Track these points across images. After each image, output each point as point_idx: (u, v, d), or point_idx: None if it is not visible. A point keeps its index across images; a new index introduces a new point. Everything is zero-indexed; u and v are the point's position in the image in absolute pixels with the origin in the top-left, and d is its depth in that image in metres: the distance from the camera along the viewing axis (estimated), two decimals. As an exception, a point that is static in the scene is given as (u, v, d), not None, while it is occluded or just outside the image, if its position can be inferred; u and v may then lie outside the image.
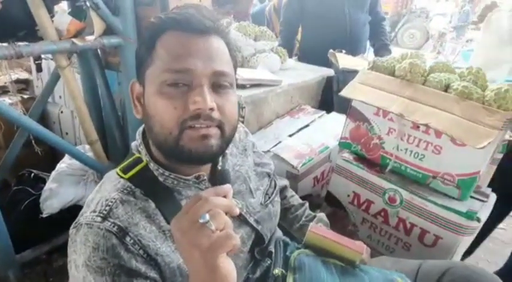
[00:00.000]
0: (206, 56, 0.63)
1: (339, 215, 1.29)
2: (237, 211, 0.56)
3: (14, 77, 2.18)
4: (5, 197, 1.45)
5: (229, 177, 0.79)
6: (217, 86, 0.64)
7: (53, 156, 1.89)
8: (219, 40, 0.67)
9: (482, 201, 1.09)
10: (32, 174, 1.55)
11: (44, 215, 1.39)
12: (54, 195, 1.41)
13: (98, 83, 1.57)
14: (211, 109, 0.62)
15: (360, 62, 1.47)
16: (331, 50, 1.55)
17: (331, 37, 2.09)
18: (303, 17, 2.28)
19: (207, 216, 0.50)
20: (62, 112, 2.20)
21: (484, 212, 1.05)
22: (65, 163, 1.49)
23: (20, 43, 1.12)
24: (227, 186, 0.58)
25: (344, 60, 1.43)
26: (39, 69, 1.42)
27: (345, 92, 1.19)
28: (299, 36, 3.66)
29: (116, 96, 1.64)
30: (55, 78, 1.49)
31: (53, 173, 1.48)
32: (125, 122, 1.57)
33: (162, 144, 0.65)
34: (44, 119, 2.19)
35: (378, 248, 1.23)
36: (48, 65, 1.98)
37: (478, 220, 1.00)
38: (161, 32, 0.64)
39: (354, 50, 1.85)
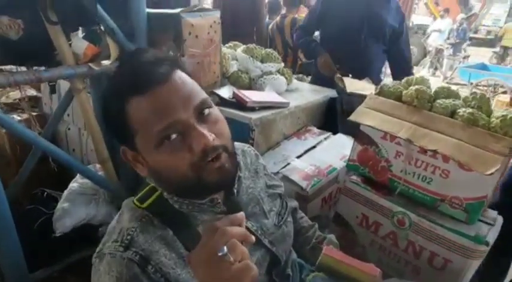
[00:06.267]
0: (180, 98, 0.63)
1: (347, 236, 1.31)
2: (253, 239, 0.59)
3: (24, 94, 2.22)
4: (19, 216, 1.47)
5: (248, 200, 0.82)
6: (201, 114, 0.66)
7: (60, 175, 1.91)
8: (178, 73, 0.66)
9: (490, 224, 1.11)
10: (45, 194, 1.58)
11: (57, 234, 1.41)
12: (67, 214, 1.43)
13: (109, 103, 1.60)
14: (213, 140, 0.64)
15: (365, 86, 1.52)
16: (338, 75, 1.59)
17: (344, 58, 2.15)
18: (321, 38, 2.38)
19: (225, 249, 0.52)
20: (69, 129, 2.22)
21: (492, 235, 1.07)
22: (77, 182, 1.52)
23: (40, 69, 1.16)
24: (241, 214, 0.60)
25: (350, 84, 1.48)
26: (53, 91, 1.45)
27: (353, 117, 1.22)
28: (302, 56, 3.76)
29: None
30: (68, 99, 1.53)
31: (65, 192, 1.51)
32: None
33: (182, 186, 0.68)
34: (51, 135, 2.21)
35: (387, 270, 1.24)
36: (58, 84, 2.02)
37: (487, 244, 1.03)
38: (125, 102, 0.64)
39: (364, 73, 1.90)
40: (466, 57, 9.23)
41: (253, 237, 0.59)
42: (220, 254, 0.52)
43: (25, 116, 2.07)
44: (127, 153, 0.71)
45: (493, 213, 1.16)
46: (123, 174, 1.57)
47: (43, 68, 1.24)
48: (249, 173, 0.90)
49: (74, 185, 1.52)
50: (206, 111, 0.66)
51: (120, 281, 0.61)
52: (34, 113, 2.17)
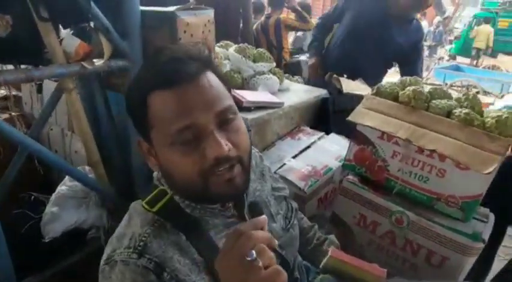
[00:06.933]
0: (203, 101, 0.62)
1: (344, 236, 1.32)
2: (276, 243, 0.57)
3: (3, 93, 2.12)
4: (5, 221, 1.41)
5: (258, 203, 0.80)
6: (224, 122, 0.64)
7: (46, 177, 1.84)
8: (208, 75, 0.65)
9: (484, 221, 1.14)
10: (32, 197, 1.51)
11: (46, 240, 1.35)
12: (56, 218, 1.37)
13: (98, 103, 1.55)
14: (229, 150, 0.62)
15: (359, 86, 1.54)
16: (335, 75, 1.61)
17: (344, 58, 2.17)
18: (335, 33, 2.38)
19: (254, 253, 0.51)
20: (51, 129, 2.14)
21: (487, 232, 1.11)
22: (66, 185, 1.46)
23: (29, 67, 1.10)
24: (263, 217, 0.59)
25: (345, 84, 1.49)
26: (39, 90, 1.39)
27: (352, 117, 1.23)
28: (287, 56, 3.77)
29: (115, 117, 1.63)
30: (55, 98, 1.46)
31: (53, 195, 1.45)
32: (126, 143, 1.56)
33: (188, 192, 0.67)
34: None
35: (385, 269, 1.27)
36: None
37: (484, 241, 1.06)
38: (147, 94, 0.63)
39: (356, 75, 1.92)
40: (440, 58, 9.55)
41: (276, 242, 0.58)
42: (249, 258, 0.51)
43: (5, 115, 1.98)
44: (142, 145, 0.70)
45: (485, 211, 1.19)
46: (114, 177, 1.53)
47: (29, 66, 1.19)
48: (255, 175, 0.89)
49: (62, 188, 1.46)
50: (229, 119, 0.65)
51: None
52: (14, 113, 2.09)
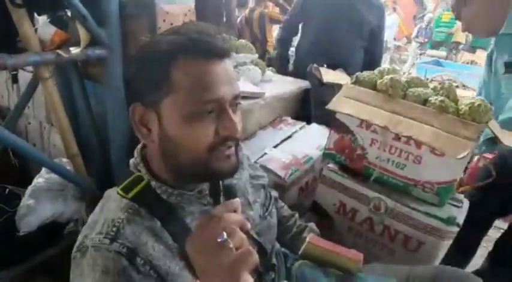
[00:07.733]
0: (228, 81, 0.64)
1: (324, 224, 1.33)
2: (249, 225, 0.58)
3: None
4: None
5: (235, 191, 0.80)
6: (234, 105, 0.67)
7: (22, 170, 1.80)
8: (230, 60, 0.67)
9: (458, 206, 1.17)
10: (7, 190, 1.47)
11: (21, 234, 1.32)
12: (32, 212, 1.34)
13: (76, 94, 1.52)
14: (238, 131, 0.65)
15: (340, 76, 1.55)
16: (315, 65, 1.61)
17: (324, 50, 2.19)
18: (302, 32, 2.41)
19: (225, 235, 0.51)
20: (29, 123, 2.09)
21: (461, 217, 1.14)
22: (42, 178, 1.43)
23: (3, 54, 1.07)
24: (236, 201, 0.60)
25: (325, 74, 1.51)
26: (15, 80, 1.35)
27: (331, 105, 1.24)
28: (271, 50, 3.77)
29: (93, 107, 1.60)
30: (32, 89, 1.43)
31: (29, 188, 1.41)
32: (105, 134, 1.53)
33: (189, 167, 0.66)
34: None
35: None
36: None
37: (458, 225, 1.09)
38: (175, 58, 0.61)
39: (343, 67, 1.94)
40: (422, 53, 9.70)
41: (249, 224, 0.58)
42: (219, 240, 0.51)
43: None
44: (136, 112, 0.66)
45: (459, 196, 1.23)
46: (93, 169, 1.51)
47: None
48: None
49: (39, 180, 1.43)
50: (237, 104, 0.68)
51: (107, 276, 0.57)
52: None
